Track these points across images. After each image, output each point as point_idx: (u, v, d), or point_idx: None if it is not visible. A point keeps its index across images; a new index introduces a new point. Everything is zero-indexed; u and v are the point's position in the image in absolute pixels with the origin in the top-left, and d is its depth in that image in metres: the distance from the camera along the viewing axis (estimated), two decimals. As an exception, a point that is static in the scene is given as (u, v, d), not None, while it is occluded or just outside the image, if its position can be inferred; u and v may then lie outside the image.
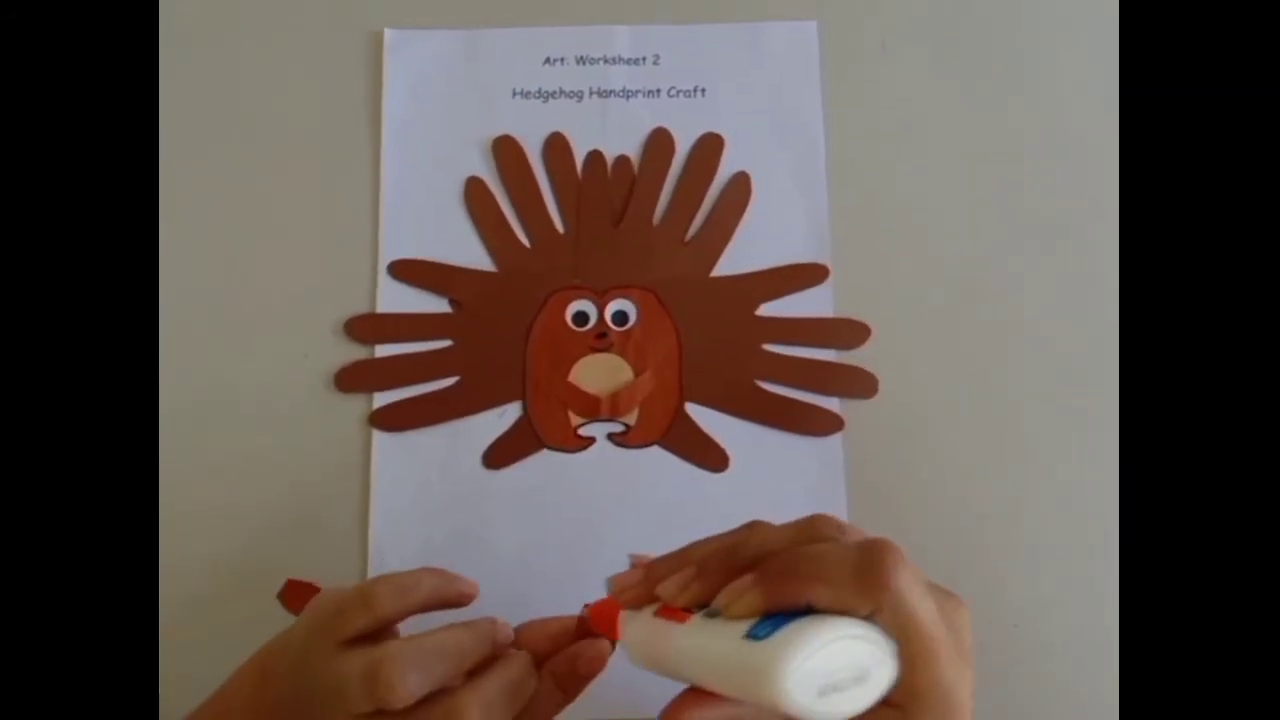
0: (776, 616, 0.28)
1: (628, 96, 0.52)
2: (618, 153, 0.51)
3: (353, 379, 0.48)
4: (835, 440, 0.48)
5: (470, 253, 0.50)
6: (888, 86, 0.52)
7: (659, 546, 0.46)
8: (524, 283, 0.50)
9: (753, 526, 0.33)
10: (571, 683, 0.36)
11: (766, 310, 0.49)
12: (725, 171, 0.51)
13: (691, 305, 0.49)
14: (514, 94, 0.52)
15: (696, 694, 0.31)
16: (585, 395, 0.48)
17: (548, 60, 0.53)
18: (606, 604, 0.35)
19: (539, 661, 0.36)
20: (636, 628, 0.33)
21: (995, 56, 0.53)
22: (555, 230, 0.50)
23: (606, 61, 0.53)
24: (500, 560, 0.46)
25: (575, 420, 0.48)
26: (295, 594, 0.46)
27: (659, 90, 0.52)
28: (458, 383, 0.48)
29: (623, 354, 0.49)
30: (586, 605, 0.36)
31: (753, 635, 0.27)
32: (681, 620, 0.31)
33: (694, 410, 0.48)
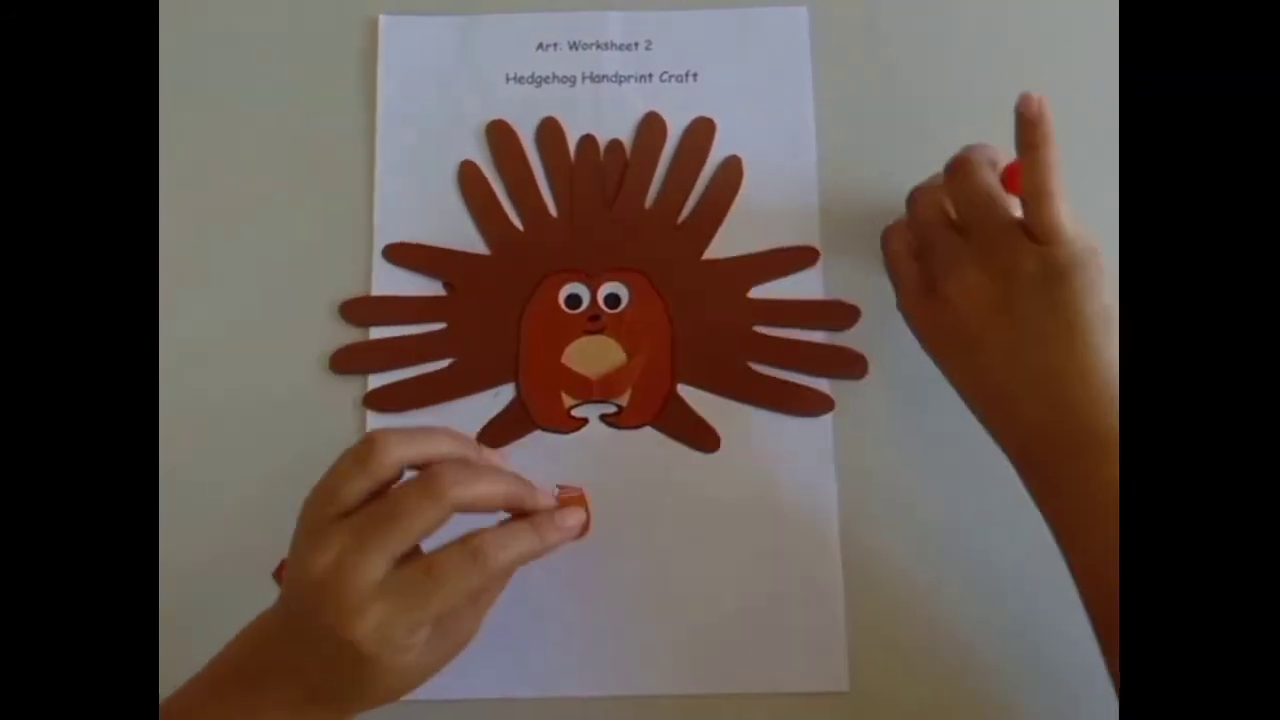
0: None
1: (620, 81, 0.53)
2: (610, 137, 0.52)
3: (347, 361, 0.49)
4: (826, 421, 0.48)
5: (464, 236, 0.50)
6: (878, 70, 0.53)
7: (650, 526, 0.47)
8: (517, 266, 0.50)
9: None
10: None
11: (758, 293, 0.50)
12: (717, 155, 0.51)
13: (683, 288, 0.49)
14: (508, 79, 0.53)
15: None
16: (578, 377, 0.48)
17: (541, 46, 0.53)
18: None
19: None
20: None
21: (986, 40, 0.53)
22: (548, 214, 0.51)
23: (599, 47, 0.53)
24: (494, 540, 0.47)
25: (568, 402, 0.48)
26: (291, 574, 0.46)
27: (651, 75, 0.53)
28: (451, 365, 0.49)
29: (615, 336, 0.49)
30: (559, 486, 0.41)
31: None
32: None
33: (686, 391, 0.49)
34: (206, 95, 0.52)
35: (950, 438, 0.47)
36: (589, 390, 0.48)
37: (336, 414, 0.48)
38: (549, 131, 0.52)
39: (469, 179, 0.51)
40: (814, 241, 0.50)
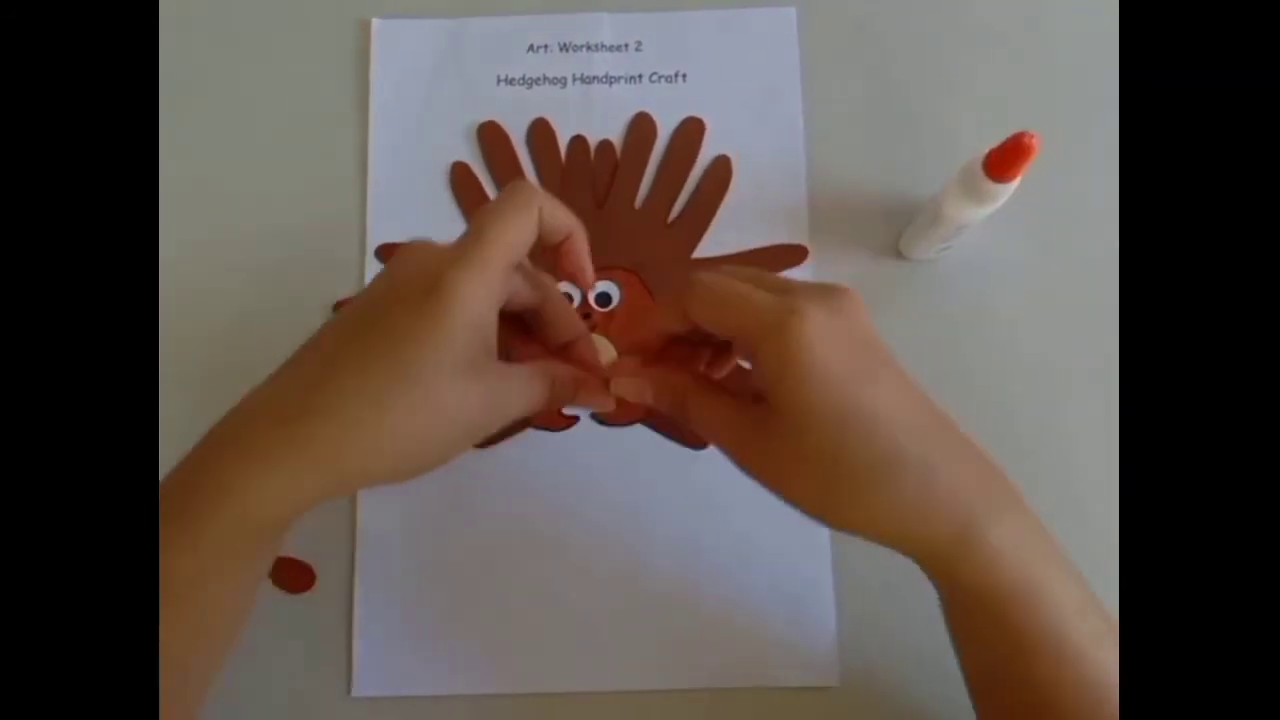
0: None
1: (610, 82, 0.53)
2: (601, 137, 0.52)
3: (340, 360, 0.49)
4: (815, 417, 0.48)
5: (455, 236, 0.50)
6: (866, 70, 0.53)
7: (641, 521, 0.47)
8: (509, 265, 0.50)
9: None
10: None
11: (747, 290, 0.50)
12: (706, 155, 0.52)
13: (674, 286, 0.50)
14: (499, 81, 0.53)
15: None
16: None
17: (531, 47, 0.54)
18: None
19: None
20: None
21: (973, 39, 0.54)
22: (539, 214, 0.51)
23: (589, 48, 0.54)
24: (486, 536, 0.47)
25: (559, 400, 0.49)
26: (286, 572, 0.47)
27: (641, 76, 0.53)
28: (444, 363, 0.49)
29: (606, 334, 0.49)
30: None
31: None
32: None
33: (676, 389, 0.49)
34: (200, 97, 0.53)
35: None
36: (580, 388, 0.49)
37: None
38: (540, 132, 0.52)
39: (461, 179, 0.51)
40: (803, 239, 0.50)
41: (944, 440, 0.34)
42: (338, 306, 0.50)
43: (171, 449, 0.46)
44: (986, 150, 0.41)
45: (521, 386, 0.35)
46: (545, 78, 0.53)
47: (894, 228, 0.51)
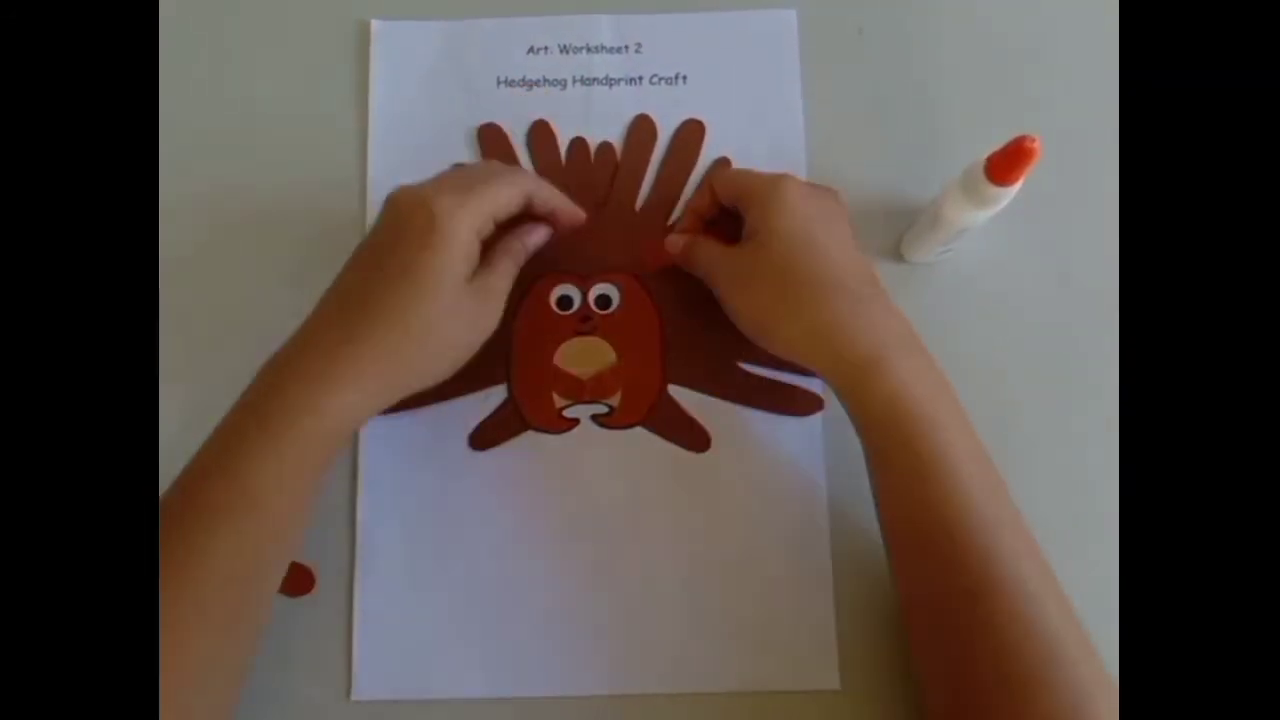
0: None
1: (610, 84, 0.53)
2: (601, 139, 0.52)
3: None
4: (815, 420, 0.48)
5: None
6: (866, 73, 0.53)
7: (641, 526, 0.47)
8: (509, 268, 0.50)
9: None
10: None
11: (748, 293, 0.50)
12: (707, 157, 0.52)
13: (673, 289, 0.50)
14: (499, 83, 0.53)
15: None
16: (569, 377, 0.49)
17: (531, 49, 0.53)
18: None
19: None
20: None
21: (973, 41, 0.54)
22: (539, 216, 0.51)
23: (589, 50, 0.53)
24: (486, 540, 0.47)
25: (560, 402, 0.49)
26: (286, 576, 0.46)
27: (641, 78, 0.53)
28: (444, 366, 0.49)
29: (606, 337, 0.49)
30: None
31: None
32: None
33: (676, 392, 0.49)
34: (200, 98, 0.53)
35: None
36: (580, 391, 0.49)
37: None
38: (540, 134, 0.52)
39: (460, 182, 0.51)
40: (803, 242, 0.50)
41: (875, 290, 0.42)
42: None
43: (171, 449, 0.47)
44: (988, 154, 0.41)
45: (502, 265, 0.43)
46: (545, 79, 0.53)
47: (894, 230, 0.51)
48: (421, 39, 0.54)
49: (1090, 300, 0.49)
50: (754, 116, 0.52)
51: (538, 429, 0.48)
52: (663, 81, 0.53)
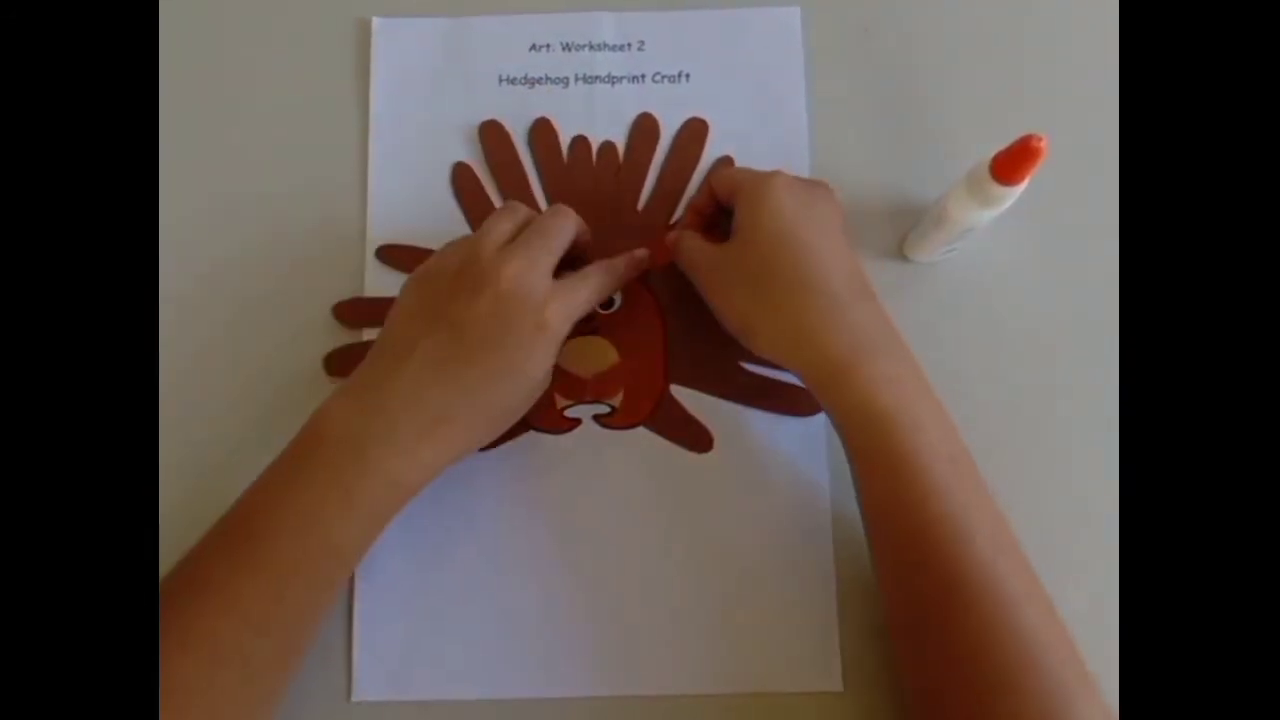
0: None
1: (613, 82, 0.53)
2: (603, 138, 0.52)
3: (340, 363, 0.49)
4: (818, 421, 0.48)
5: (457, 236, 0.50)
6: (870, 71, 0.53)
7: (643, 526, 0.47)
8: (510, 267, 0.50)
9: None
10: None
11: (750, 293, 0.50)
12: (710, 156, 0.51)
13: (676, 288, 0.49)
14: (500, 80, 0.53)
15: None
16: (571, 377, 0.49)
17: (533, 47, 0.53)
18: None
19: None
20: None
21: (978, 39, 0.53)
22: (541, 215, 0.51)
23: (592, 48, 0.53)
24: (487, 540, 0.47)
25: (561, 402, 0.48)
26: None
27: (644, 76, 0.53)
28: (445, 366, 0.49)
29: (608, 336, 0.49)
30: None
31: None
32: None
33: (678, 392, 0.49)
34: (199, 96, 0.53)
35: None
36: (582, 390, 0.48)
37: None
38: (542, 132, 0.52)
39: (462, 180, 0.51)
40: (806, 241, 0.50)
41: (860, 288, 0.42)
42: (338, 309, 0.49)
43: (172, 449, 0.47)
44: (993, 153, 0.41)
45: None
46: (547, 77, 0.53)
47: (898, 230, 0.50)
48: (422, 36, 0.53)
49: (1093, 300, 0.49)
50: (758, 115, 0.52)
51: (539, 429, 0.48)
52: (666, 80, 0.53)
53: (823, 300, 0.41)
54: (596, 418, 0.48)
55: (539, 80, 0.53)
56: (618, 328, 0.49)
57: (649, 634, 0.46)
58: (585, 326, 0.49)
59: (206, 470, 0.48)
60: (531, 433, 0.48)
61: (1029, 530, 0.39)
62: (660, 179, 0.51)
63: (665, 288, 0.50)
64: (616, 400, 0.48)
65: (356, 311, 0.49)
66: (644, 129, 0.52)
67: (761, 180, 0.43)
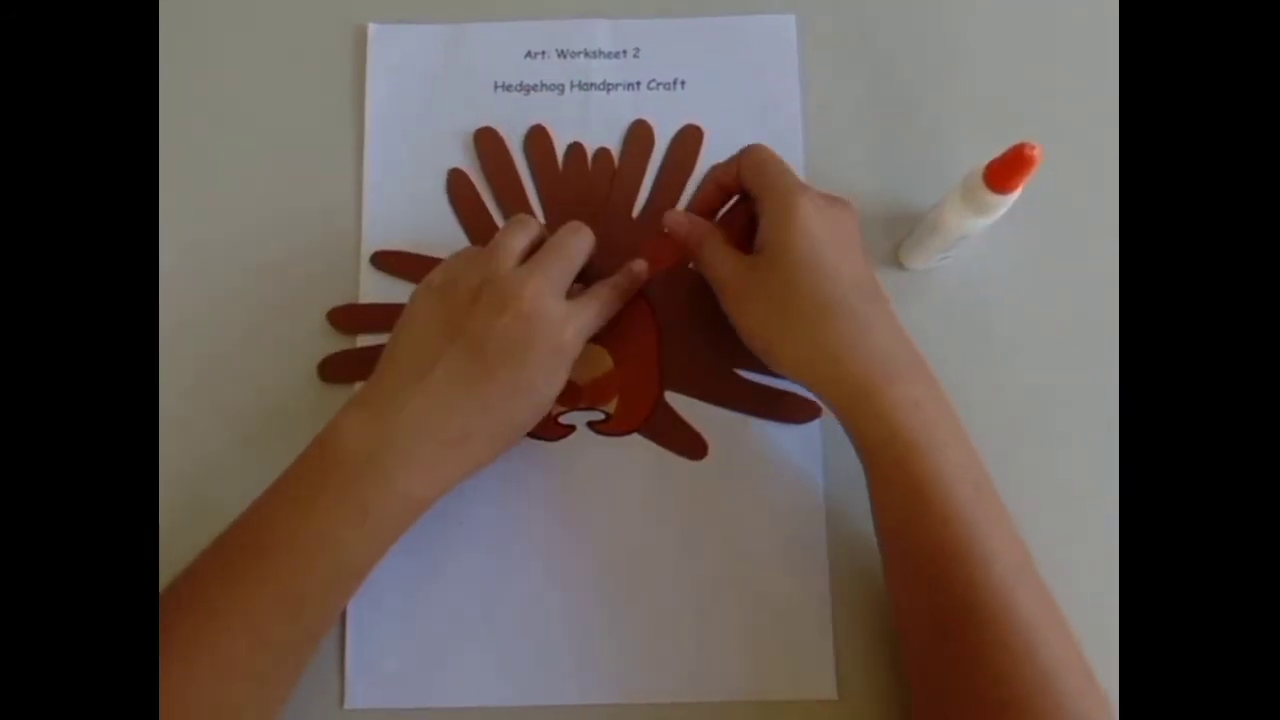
0: None
1: (608, 89, 0.53)
2: (598, 144, 0.52)
3: (335, 370, 0.49)
4: (814, 427, 0.48)
5: (452, 243, 0.50)
6: (865, 78, 0.53)
7: (639, 534, 0.47)
8: (505, 273, 0.50)
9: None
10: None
11: (745, 300, 0.50)
12: (705, 163, 0.52)
13: (671, 295, 0.50)
14: (496, 87, 0.53)
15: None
16: (566, 384, 0.48)
17: (529, 54, 0.53)
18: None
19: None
20: None
21: (973, 46, 0.53)
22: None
23: (587, 55, 0.53)
24: (480, 548, 0.47)
25: (556, 409, 0.48)
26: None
27: (639, 83, 0.53)
28: (439, 372, 0.49)
29: (603, 343, 0.49)
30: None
31: None
32: None
33: (673, 399, 0.49)
34: (196, 103, 0.53)
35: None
36: (577, 397, 0.48)
37: (325, 421, 0.48)
38: (537, 139, 0.52)
39: (457, 186, 0.51)
40: (801, 248, 0.50)
41: (884, 312, 0.42)
42: (333, 314, 0.49)
43: (166, 453, 0.46)
44: (987, 161, 0.41)
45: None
46: (543, 84, 0.53)
47: (893, 237, 0.50)
48: (419, 42, 0.53)
49: (1089, 308, 0.49)
50: (753, 122, 0.52)
51: (533, 436, 0.48)
52: (661, 87, 0.53)
53: (845, 324, 0.41)
54: (591, 425, 0.48)
55: (534, 87, 0.53)
56: (613, 334, 0.49)
57: (642, 642, 0.46)
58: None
59: (200, 474, 0.48)
60: (526, 440, 0.48)
61: (1029, 531, 0.39)
62: (655, 186, 0.51)
63: (660, 295, 0.50)
64: (611, 407, 0.48)
65: (351, 317, 0.49)
66: (639, 136, 0.52)
67: (790, 199, 0.42)
